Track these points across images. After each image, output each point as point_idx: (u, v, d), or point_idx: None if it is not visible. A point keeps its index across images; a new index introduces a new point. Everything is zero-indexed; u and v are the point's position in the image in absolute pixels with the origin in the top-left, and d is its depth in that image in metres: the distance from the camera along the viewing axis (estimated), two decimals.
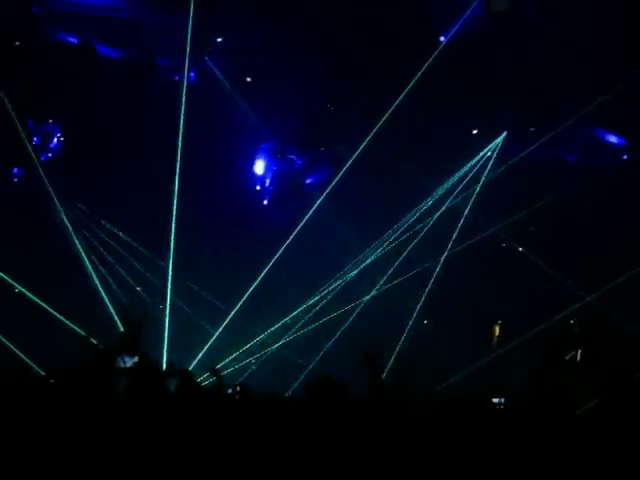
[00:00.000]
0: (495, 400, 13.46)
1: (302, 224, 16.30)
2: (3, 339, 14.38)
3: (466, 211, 16.20)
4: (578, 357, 15.21)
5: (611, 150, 16.55)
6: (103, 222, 16.76)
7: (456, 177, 16.49)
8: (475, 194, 16.26)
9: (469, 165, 16.49)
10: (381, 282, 16.45)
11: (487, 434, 6.99)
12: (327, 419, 6.74)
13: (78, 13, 15.42)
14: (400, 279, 16.30)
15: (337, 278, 16.40)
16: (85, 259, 16.10)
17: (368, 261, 16.43)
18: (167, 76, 16.59)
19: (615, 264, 14.98)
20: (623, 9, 14.12)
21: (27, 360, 14.02)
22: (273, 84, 16.61)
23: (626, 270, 14.81)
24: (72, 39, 16.07)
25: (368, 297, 16.50)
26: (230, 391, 8.75)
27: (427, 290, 16.35)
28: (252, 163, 17.66)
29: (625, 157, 16.68)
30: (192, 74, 16.72)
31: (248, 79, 17.32)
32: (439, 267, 16.10)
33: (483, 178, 16.24)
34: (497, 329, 17.33)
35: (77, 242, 16.02)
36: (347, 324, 16.27)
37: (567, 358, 14.55)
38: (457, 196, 16.45)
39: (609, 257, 15.10)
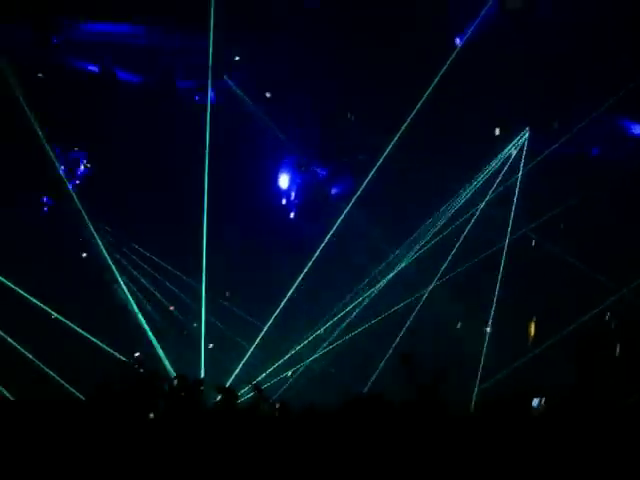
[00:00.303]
0: (535, 402, 13.33)
1: (330, 235, 16.33)
2: (41, 364, 14.57)
3: (494, 210, 16.16)
4: (617, 351, 15.02)
5: (635, 141, 16.36)
6: (134, 246, 16.92)
7: (481, 178, 16.43)
8: (502, 193, 16.21)
9: (493, 165, 16.43)
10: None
11: (526, 438, 6.93)
12: (364, 432, 6.72)
13: (97, 41, 15.64)
14: (434, 283, 16.29)
15: (368, 286, 16.38)
16: (121, 283, 16.29)
17: (398, 268, 16.40)
18: (187, 97, 16.72)
19: None
20: None
21: (64, 383, 14.19)
22: (292, 98, 16.68)
23: None
24: (93, 67, 16.28)
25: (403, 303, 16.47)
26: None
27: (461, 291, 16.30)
28: (277, 178, 17.73)
29: None
30: (212, 94, 16.84)
31: (268, 94, 17.40)
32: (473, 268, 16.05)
33: (519, 174, 16.13)
34: (532, 327, 17.16)
35: (111, 265, 16.21)
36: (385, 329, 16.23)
37: (605, 353, 14.37)
38: (485, 196, 16.38)
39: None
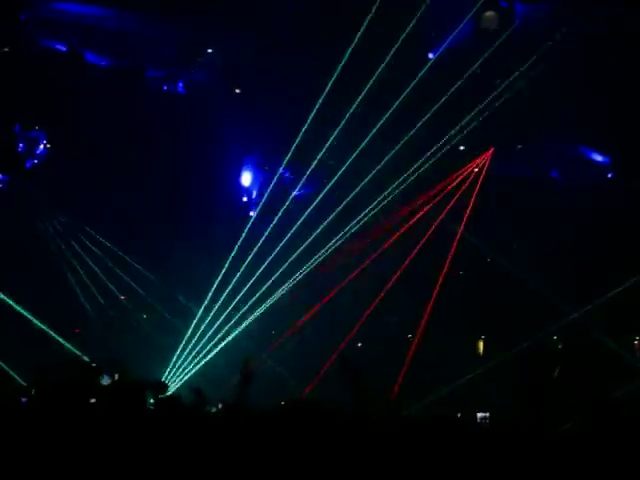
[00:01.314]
0: (480, 415, 13.28)
1: (288, 237, 16.15)
2: None
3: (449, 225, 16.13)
4: (556, 373, 15.10)
5: (596, 168, 16.51)
6: (87, 230, 16.46)
7: (441, 192, 16.41)
8: (457, 208, 16.21)
9: (455, 180, 16.42)
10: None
11: (470, 451, 6.85)
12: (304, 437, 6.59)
13: (67, 21, 15.19)
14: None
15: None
16: (68, 269, 15.86)
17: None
18: (156, 86, 16.38)
19: (599, 280, 14.91)
20: (612, 25, 14.13)
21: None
22: (262, 96, 16.44)
23: (610, 286, 14.74)
24: (61, 46, 15.83)
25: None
26: (214, 409, 8.49)
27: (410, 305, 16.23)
28: (239, 175, 17.46)
29: (610, 175, 16.64)
30: (180, 85, 16.53)
31: (237, 91, 17.14)
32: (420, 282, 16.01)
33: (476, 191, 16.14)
34: (481, 345, 17.18)
35: (59, 250, 15.77)
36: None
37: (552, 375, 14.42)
38: (442, 210, 16.35)
39: (594, 273, 15.02)
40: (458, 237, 16.08)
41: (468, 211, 15.97)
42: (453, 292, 15.82)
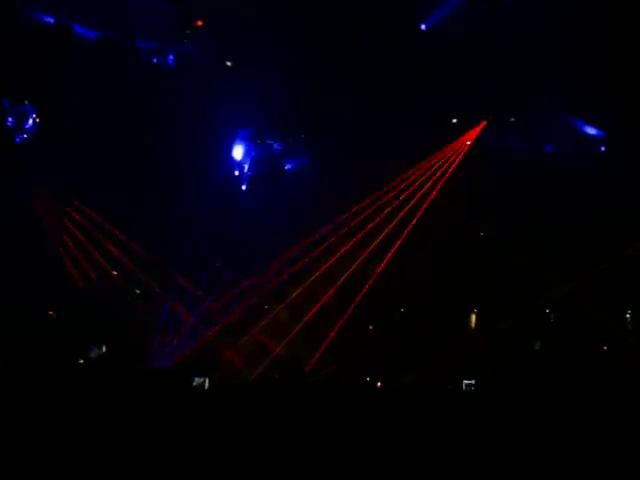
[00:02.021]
0: (465, 382, 13.29)
1: (280, 209, 16.00)
2: None
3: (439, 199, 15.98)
4: (537, 346, 15.08)
5: (589, 141, 16.34)
6: (80, 206, 16.26)
7: (434, 164, 16.25)
8: (449, 182, 16.04)
9: (446, 154, 16.24)
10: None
11: (458, 416, 6.92)
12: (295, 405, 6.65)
13: None
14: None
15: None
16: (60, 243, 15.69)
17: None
18: (146, 58, 16.07)
19: (592, 253, 14.83)
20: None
21: None
22: (254, 70, 16.17)
23: (602, 259, 14.66)
24: (49, 19, 15.48)
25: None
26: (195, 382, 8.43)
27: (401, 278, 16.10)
28: (231, 148, 17.23)
29: (603, 149, 16.47)
30: (171, 57, 16.23)
31: (228, 63, 16.85)
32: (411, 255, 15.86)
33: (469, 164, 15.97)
34: (473, 318, 17.12)
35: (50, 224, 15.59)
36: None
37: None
38: (433, 183, 16.19)
39: (587, 246, 14.93)
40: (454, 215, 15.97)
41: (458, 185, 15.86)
42: (444, 265, 15.73)
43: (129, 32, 15.79)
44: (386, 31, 15.09)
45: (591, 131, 16.18)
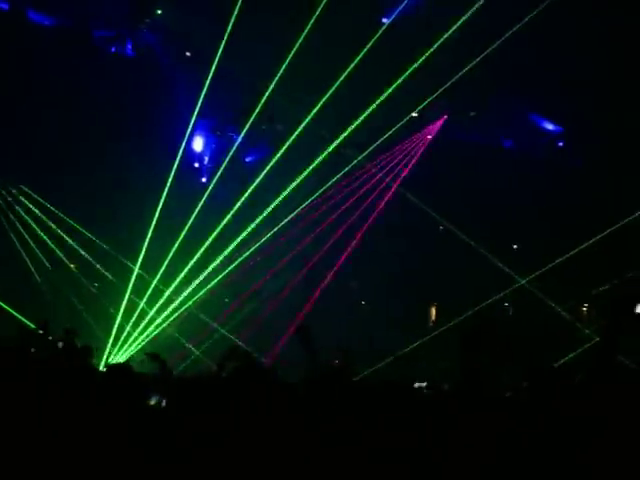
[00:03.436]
0: (416, 384, 13.09)
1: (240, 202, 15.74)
2: None
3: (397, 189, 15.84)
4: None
5: (547, 137, 16.33)
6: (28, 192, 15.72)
7: (392, 158, 16.10)
8: (409, 175, 15.92)
9: (406, 146, 16.10)
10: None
11: (406, 418, 6.73)
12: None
13: None
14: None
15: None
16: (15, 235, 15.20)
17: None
18: (103, 47, 15.59)
19: (549, 248, 14.82)
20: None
21: None
22: (214, 60, 15.83)
23: (559, 254, 14.66)
24: (3, 5, 14.92)
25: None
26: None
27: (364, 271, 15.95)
28: (191, 140, 16.84)
29: (561, 144, 16.48)
30: (129, 46, 15.79)
31: (188, 54, 16.47)
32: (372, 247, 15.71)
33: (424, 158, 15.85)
34: (433, 311, 17.03)
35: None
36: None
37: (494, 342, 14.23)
38: (392, 176, 16.04)
39: (544, 240, 14.92)
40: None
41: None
42: (404, 259, 15.61)
43: (86, 19, 15.30)
44: (348, 24, 14.87)
45: (549, 126, 16.17)
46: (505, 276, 15.10)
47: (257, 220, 15.67)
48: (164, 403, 8.14)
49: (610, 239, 13.87)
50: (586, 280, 14.67)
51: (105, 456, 5.76)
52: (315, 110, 15.21)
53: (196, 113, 16.25)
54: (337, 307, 15.95)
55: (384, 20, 15.54)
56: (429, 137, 16.26)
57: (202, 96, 15.94)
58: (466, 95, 15.75)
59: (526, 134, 16.25)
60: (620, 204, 14.47)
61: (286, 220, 15.99)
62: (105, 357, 14.43)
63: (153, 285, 15.26)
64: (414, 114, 16.47)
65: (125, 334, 15.26)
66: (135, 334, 15.26)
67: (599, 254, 14.05)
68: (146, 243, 15.28)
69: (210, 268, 15.54)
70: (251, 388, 7.11)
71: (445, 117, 16.42)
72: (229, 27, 15.03)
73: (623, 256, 14.06)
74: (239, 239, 15.65)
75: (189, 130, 16.07)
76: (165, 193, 15.50)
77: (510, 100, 15.42)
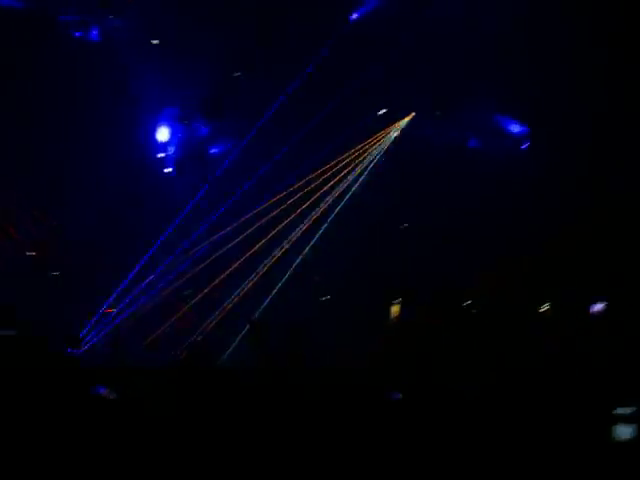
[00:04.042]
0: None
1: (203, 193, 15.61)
2: None
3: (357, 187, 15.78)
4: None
5: (513, 138, 16.33)
6: None
7: (358, 153, 16.00)
8: (371, 172, 15.85)
9: (371, 145, 16.01)
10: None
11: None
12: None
13: None
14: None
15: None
16: None
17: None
18: (67, 32, 15.30)
19: (509, 248, 14.86)
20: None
21: None
22: (182, 49, 15.63)
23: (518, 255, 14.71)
24: None
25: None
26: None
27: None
28: (155, 129, 16.60)
29: (526, 146, 16.47)
30: (95, 32, 15.52)
31: (155, 42, 16.22)
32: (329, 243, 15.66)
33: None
34: (396, 309, 16.92)
35: None
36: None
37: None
38: (356, 174, 15.96)
39: (505, 241, 14.96)
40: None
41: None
42: (363, 256, 15.56)
43: (50, 3, 15.01)
44: (315, 20, 14.78)
45: (515, 128, 16.17)
46: (463, 274, 15.09)
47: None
48: (113, 395, 8.03)
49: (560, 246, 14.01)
50: (544, 281, 14.70)
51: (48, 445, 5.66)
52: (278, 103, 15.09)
53: (161, 102, 16.08)
54: (298, 301, 15.85)
55: (353, 16, 15.46)
56: (395, 134, 16.19)
57: (168, 85, 15.82)
58: (435, 93, 15.73)
59: (491, 135, 16.23)
60: (580, 209, 14.57)
61: (252, 212, 15.87)
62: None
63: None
64: (380, 112, 16.42)
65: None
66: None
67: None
68: None
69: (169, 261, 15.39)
70: (198, 376, 7.03)
71: (412, 114, 16.37)
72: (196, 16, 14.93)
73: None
74: (197, 233, 15.50)
75: (153, 119, 15.89)
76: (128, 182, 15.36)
77: (477, 100, 15.40)
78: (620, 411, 7.42)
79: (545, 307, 15.08)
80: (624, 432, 7.12)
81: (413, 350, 12.93)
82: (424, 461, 6.44)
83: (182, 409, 6.48)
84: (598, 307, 14.06)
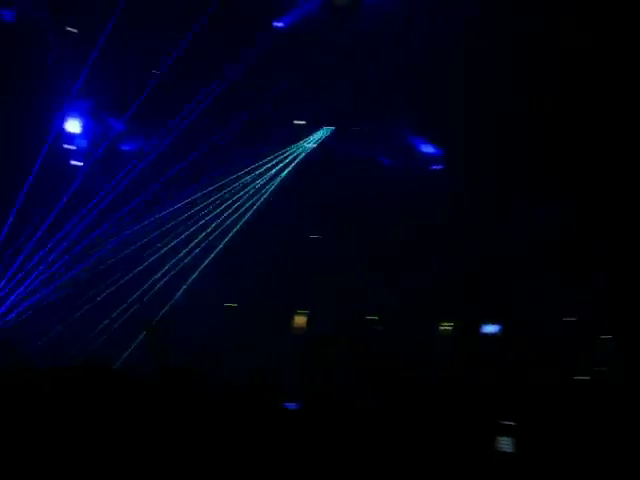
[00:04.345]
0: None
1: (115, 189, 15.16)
2: None
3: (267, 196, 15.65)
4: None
5: (426, 159, 16.53)
6: None
7: (269, 163, 15.91)
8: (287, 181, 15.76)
9: (286, 153, 15.95)
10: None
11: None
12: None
13: None
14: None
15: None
16: None
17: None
18: None
19: (414, 266, 14.96)
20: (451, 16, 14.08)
21: None
22: (101, 40, 15.16)
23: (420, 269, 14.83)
24: None
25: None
26: None
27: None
28: (64, 120, 16.00)
29: (439, 167, 16.70)
30: (9, 13, 14.92)
31: (74, 30, 15.71)
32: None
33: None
34: (301, 320, 16.73)
35: None
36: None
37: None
38: (267, 182, 15.84)
39: (412, 258, 15.05)
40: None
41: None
42: (270, 265, 15.41)
43: None
44: (240, 23, 14.65)
45: (429, 149, 16.40)
46: (362, 291, 15.10)
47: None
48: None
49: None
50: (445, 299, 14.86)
51: None
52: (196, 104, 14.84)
53: (73, 94, 15.53)
54: (200, 308, 15.52)
55: (278, 24, 15.40)
56: (312, 145, 16.17)
57: (82, 77, 15.31)
58: (355, 109, 15.79)
59: (405, 155, 16.41)
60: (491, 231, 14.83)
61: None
62: None
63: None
64: (300, 122, 16.38)
65: None
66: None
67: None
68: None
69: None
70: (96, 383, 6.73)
71: (332, 128, 16.40)
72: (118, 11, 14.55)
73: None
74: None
75: (63, 110, 15.33)
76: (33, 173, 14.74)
77: (393, 119, 15.55)
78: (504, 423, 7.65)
79: (446, 325, 15.25)
80: (505, 444, 7.35)
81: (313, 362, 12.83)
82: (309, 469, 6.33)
83: (77, 409, 6.23)
84: (491, 329, 14.36)
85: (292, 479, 6.24)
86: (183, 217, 15.57)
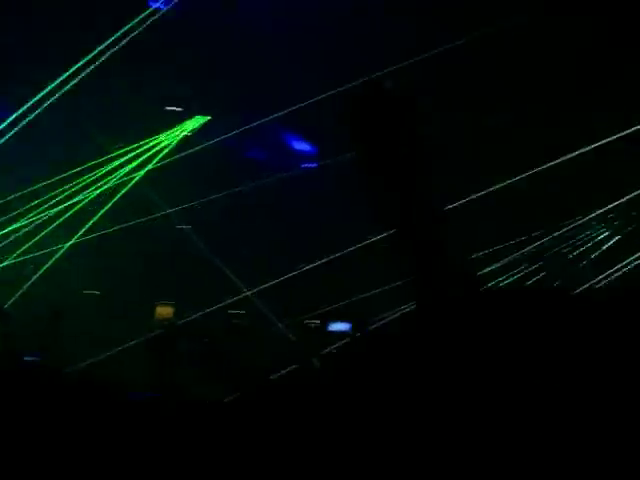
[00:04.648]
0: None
1: None
2: None
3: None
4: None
5: (300, 157, 16.44)
6: None
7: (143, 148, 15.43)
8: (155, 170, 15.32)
9: (157, 140, 15.49)
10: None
11: None
12: None
13: None
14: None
15: None
16: None
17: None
18: None
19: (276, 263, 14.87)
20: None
21: None
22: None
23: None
24: None
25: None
26: None
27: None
28: None
29: (314, 165, 16.62)
30: None
31: None
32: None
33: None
34: (165, 311, 16.31)
35: None
36: None
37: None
38: (136, 168, 15.36)
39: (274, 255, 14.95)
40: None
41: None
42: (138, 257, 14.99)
43: None
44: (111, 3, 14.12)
45: (303, 146, 16.31)
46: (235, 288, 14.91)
47: None
48: None
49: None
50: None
51: None
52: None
53: None
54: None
55: (154, 5, 14.90)
56: (185, 134, 15.79)
57: None
58: (232, 100, 15.50)
59: (278, 150, 16.28)
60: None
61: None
62: None
63: None
64: (176, 108, 15.97)
65: None
66: None
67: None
68: None
69: None
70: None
71: (208, 118, 16.06)
72: None
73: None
74: None
75: None
76: None
77: (268, 115, 15.36)
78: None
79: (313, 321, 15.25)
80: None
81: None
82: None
83: None
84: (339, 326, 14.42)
85: (139, 471, 6.15)
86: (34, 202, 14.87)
